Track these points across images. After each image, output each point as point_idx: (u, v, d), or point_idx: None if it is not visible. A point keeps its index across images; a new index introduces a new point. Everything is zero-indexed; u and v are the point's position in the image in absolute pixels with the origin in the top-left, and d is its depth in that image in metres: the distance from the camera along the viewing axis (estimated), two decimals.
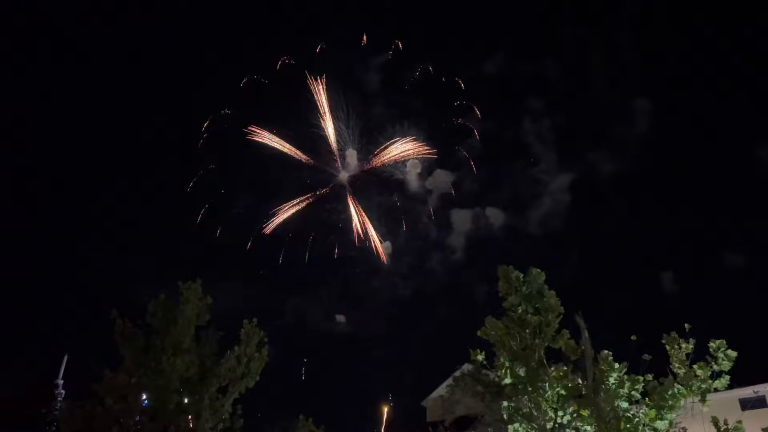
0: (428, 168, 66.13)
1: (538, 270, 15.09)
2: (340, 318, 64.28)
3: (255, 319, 19.43)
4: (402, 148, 62.54)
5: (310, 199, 62.24)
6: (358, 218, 62.54)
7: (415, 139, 62.79)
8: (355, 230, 62.15)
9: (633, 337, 13.44)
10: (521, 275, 15.16)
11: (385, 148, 63.13)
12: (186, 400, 17.45)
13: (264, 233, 60.60)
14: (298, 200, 62.35)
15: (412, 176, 66.27)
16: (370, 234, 62.05)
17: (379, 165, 63.50)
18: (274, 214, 61.47)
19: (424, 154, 62.03)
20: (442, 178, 66.28)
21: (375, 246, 61.64)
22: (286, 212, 62.03)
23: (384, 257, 61.92)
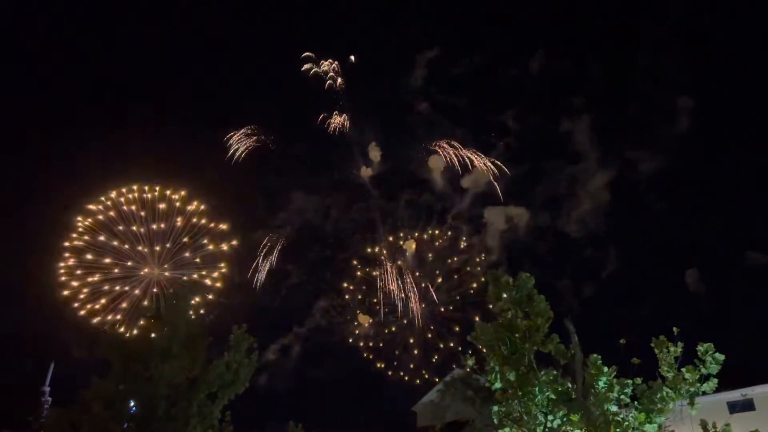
0: (452, 166, 64.96)
1: (527, 274, 15.14)
2: (365, 319, 62.85)
3: (244, 326, 19.36)
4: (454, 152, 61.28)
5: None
6: (395, 277, 60.41)
7: (449, 142, 62.01)
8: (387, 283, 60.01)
9: (622, 341, 13.51)
10: (510, 279, 15.20)
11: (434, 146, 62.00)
12: (174, 407, 17.30)
13: (256, 287, 59.61)
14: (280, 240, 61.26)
15: (436, 174, 65.17)
16: (409, 296, 59.83)
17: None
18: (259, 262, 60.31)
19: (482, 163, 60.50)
20: (478, 177, 64.92)
21: (413, 311, 59.08)
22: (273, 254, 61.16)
23: (420, 321, 59.66)
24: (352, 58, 63.42)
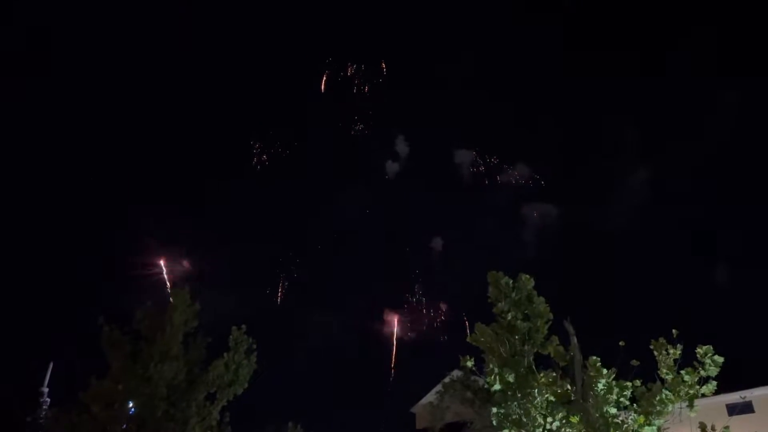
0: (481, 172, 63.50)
1: (527, 276, 15.15)
2: (392, 316, 61.90)
3: (243, 326, 19.34)
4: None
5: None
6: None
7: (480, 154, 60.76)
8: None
9: (621, 343, 13.51)
10: (510, 281, 15.21)
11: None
12: (173, 408, 17.28)
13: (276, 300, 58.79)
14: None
15: (464, 168, 64.10)
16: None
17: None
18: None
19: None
20: (517, 173, 63.23)
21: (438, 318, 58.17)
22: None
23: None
24: (384, 66, 62.79)
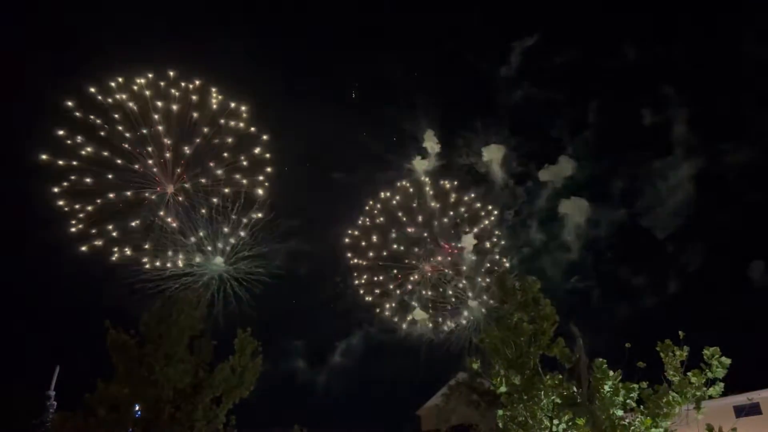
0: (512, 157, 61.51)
1: (534, 278, 15.12)
2: (421, 315, 60.24)
3: (249, 329, 19.37)
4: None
5: None
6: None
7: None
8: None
9: (627, 345, 13.47)
10: (516, 283, 15.19)
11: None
12: (179, 411, 17.32)
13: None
14: None
15: (494, 167, 62.00)
16: None
17: None
18: None
19: None
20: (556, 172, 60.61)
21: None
22: None
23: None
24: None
